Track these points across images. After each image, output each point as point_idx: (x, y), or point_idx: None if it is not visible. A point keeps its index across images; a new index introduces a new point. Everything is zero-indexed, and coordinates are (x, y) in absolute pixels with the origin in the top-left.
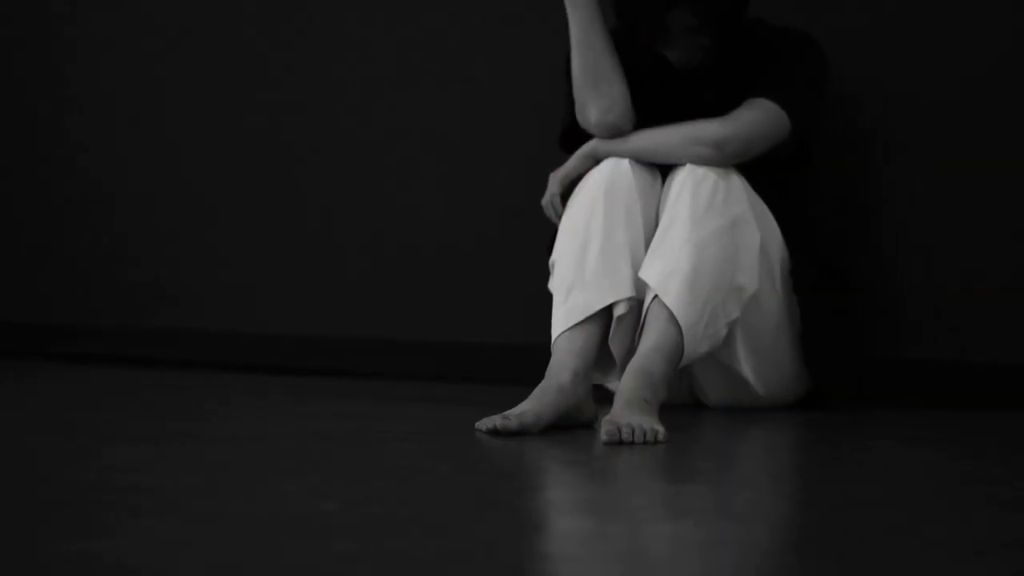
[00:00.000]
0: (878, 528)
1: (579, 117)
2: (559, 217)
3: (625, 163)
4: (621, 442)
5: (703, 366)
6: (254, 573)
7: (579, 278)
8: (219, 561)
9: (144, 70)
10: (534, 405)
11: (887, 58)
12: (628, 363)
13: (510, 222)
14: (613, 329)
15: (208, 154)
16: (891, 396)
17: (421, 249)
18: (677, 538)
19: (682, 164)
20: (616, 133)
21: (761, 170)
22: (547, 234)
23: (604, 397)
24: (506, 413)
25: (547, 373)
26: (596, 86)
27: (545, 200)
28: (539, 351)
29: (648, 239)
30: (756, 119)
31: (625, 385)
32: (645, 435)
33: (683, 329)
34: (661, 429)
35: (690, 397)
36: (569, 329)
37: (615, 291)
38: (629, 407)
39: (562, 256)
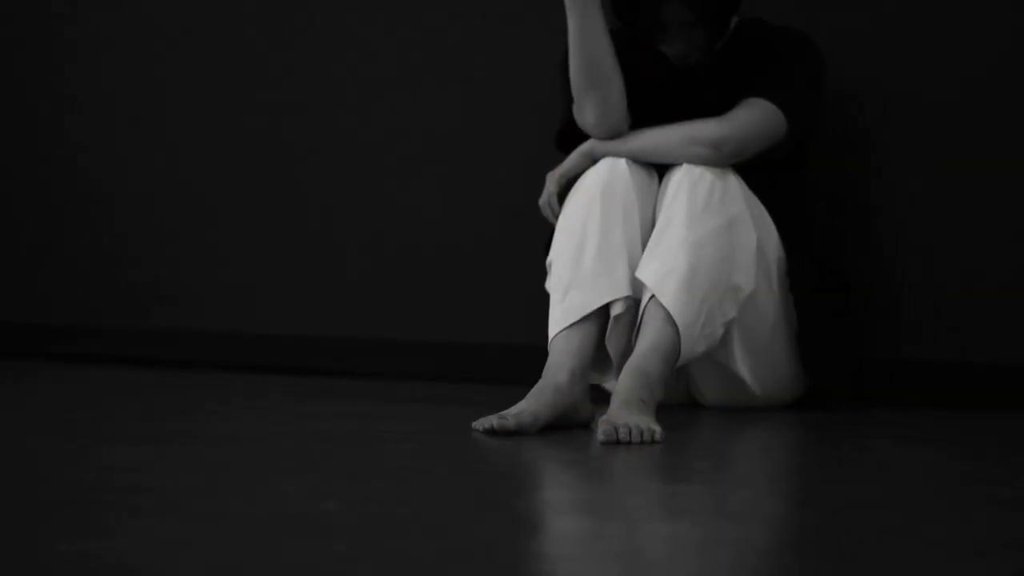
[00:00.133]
0: (877, 528)
1: (576, 118)
2: (556, 217)
3: (622, 163)
4: (618, 442)
5: (700, 366)
6: (254, 573)
7: (576, 278)
8: (219, 561)
9: (144, 70)
10: (531, 405)
11: (887, 58)
12: (625, 363)
13: (510, 222)
14: (610, 329)
15: (208, 154)
16: (890, 396)
17: (421, 249)
18: (674, 538)
19: (679, 164)
20: (613, 135)
21: (758, 170)
22: (547, 234)
23: (601, 397)
24: (503, 413)
25: (544, 373)
26: (595, 88)
27: (542, 200)
28: (539, 351)
29: (645, 239)
30: (753, 119)
31: (622, 385)
32: (642, 435)
33: (680, 329)
34: (658, 429)
35: (687, 397)
36: (566, 329)
37: (612, 290)
38: (626, 407)
39: (559, 256)
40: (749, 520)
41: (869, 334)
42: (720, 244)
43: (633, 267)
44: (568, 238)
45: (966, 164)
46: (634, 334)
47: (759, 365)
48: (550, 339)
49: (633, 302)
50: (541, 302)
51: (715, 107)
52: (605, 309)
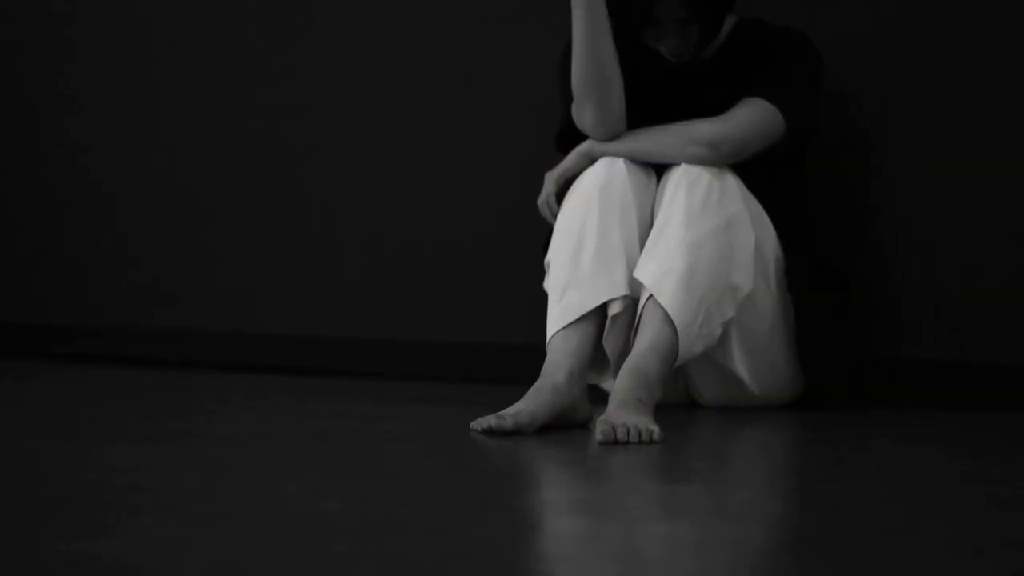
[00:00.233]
0: (877, 528)
1: (575, 119)
2: (554, 216)
3: (620, 162)
4: (616, 442)
5: (698, 366)
6: (254, 573)
7: (574, 277)
8: (219, 561)
9: (144, 70)
10: (529, 405)
11: (887, 58)
12: (623, 363)
13: (510, 222)
14: (607, 328)
15: (208, 154)
16: (890, 396)
17: (421, 249)
18: (672, 538)
19: (677, 164)
20: (612, 136)
21: (757, 170)
22: (547, 234)
23: (599, 397)
24: (501, 413)
25: (542, 373)
26: (596, 91)
27: (541, 199)
28: (539, 351)
29: (643, 239)
30: (751, 119)
31: (620, 385)
32: (640, 435)
33: (678, 329)
34: (656, 429)
35: (685, 397)
36: (564, 328)
37: (610, 290)
38: (624, 407)
39: (557, 255)
40: (748, 520)
41: (869, 334)
42: (718, 244)
43: (631, 267)
44: (566, 238)
45: (966, 164)
46: (632, 334)
47: (757, 365)
48: (548, 339)
49: (631, 302)
50: (541, 302)
51: (714, 107)
52: (603, 309)
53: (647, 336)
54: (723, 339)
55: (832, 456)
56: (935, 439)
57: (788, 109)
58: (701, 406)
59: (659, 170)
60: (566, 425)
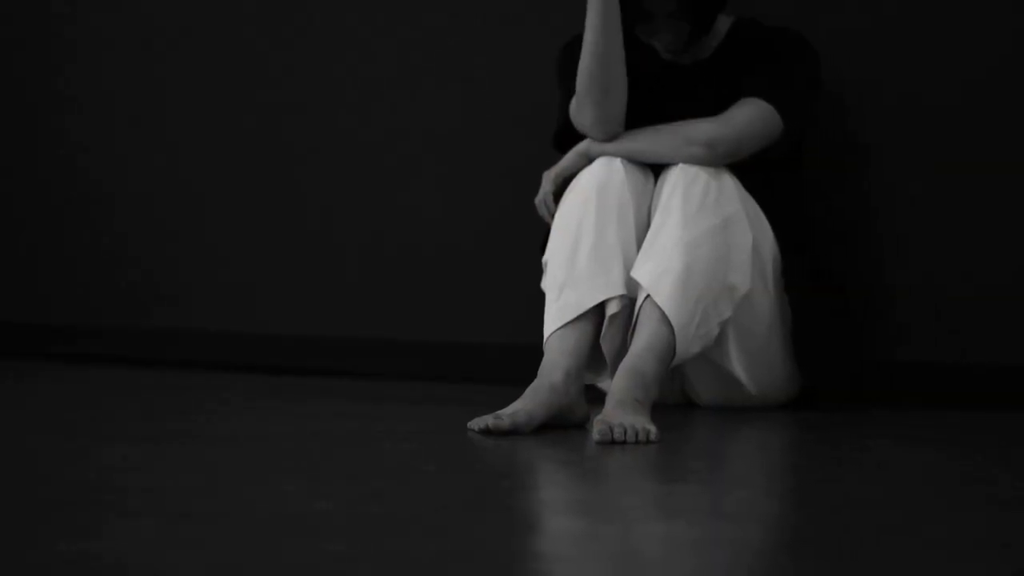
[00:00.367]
0: (877, 528)
1: (575, 116)
2: (552, 216)
3: (617, 162)
4: (613, 442)
5: (695, 366)
6: (254, 573)
7: (571, 276)
8: (219, 561)
9: (144, 70)
10: (526, 404)
11: (887, 59)
12: (619, 363)
13: (510, 222)
14: (605, 328)
15: (208, 154)
16: (890, 397)
17: (421, 249)
18: (669, 538)
19: (674, 164)
20: (610, 136)
21: (754, 170)
22: (544, 233)
23: (596, 397)
24: (498, 413)
25: (539, 372)
26: (601, 89)
27: (538, 199)
28: (539, 351)
29: (640, 239)
30: (748, 119)
31: (617, 385)
32: (637, 435)
33: (675, 329)
34: (653, 429)
35: (682, 397)
36: (561, 328)
37: (607, 289)
38: (621, 407)
39: (554, 255)
40: (745, 520)
41: (869, 335)
42: (715, 244)
43: (628, 267)
44: (563, 237)
45: (966, 166)
46: (629, 334)
47: (754, 365)
48: (545, 338)
49: (628, 301)
50: (541, 302)
51: (711, 107)
52: (600, 308)
53: (644, 336)
54: (720, 339)
55: (831, 456)
56: (935, 439)
57: (785, 109)
58: (698, 406)
59: (656, 170)
60: (563, 425)
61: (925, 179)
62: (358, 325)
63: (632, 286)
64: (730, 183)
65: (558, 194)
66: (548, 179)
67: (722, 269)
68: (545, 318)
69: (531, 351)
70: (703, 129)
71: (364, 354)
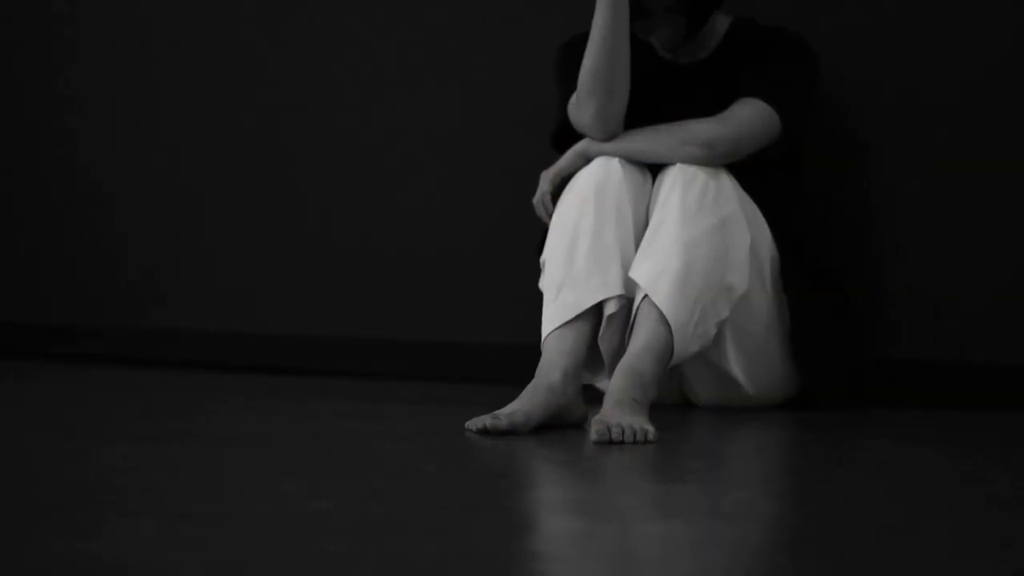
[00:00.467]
0: (877, 528)
1: (575, 115)
2: (550, 216)
3: (615, 162)
4: (611, 442)
5: (693, 366)
6: (254, 573)
7: (569, 276)
8: (219, 561)
9: (144, 70)
10: (524, 404)
11: (887, 58)
12: (617, 363)
13: (510, 222)
14: (603, 328)
15: (208, 154)
16: (890, 396)
17: (421, 249)
18: (667, 538)
19: (672, 164)
20: (609, 136)
21: (752, 170)
22: (542, 233)
23: (594, 397)
24: (496, 413)
25: (537, 372)
26: (604, 88)
27: (536, 199)
28: (539, 351)
29: (638, 238)
30: (747, 119)
31: (615, 385)
32: (635, 435)
33: (673, 329)
34: (651, 429)
35: (680, 397)
36: (559, 328)
37: (605, 289)
38: (619, 407)
39: (552, 255)
40: (743, 520)
41: (868, 334)
42: (713, 244)
43: (626, 266)
44: (561, 237)
45: (966, 164)
46: (627, 334)
47: (752, 365)
48: (543, 338)
49: (626, 301)
50: (540, 302)
51: (710, 107)
52: (598, 308)
53: (642, 336)
54: (718, 339)
55: (831, 456)
56: (935, 439)
57: (784, 109)
58: (696, 406)
59: (654, 170)
60: (561, 425)
61: (925, 178)
62: (358, 325)
63: (630, 286)
64: (728, 183)
65: (556, 194)
66: (546, 179)
67: (720, 269)
68: (543, 318)
69: (531, 351)
70: (702, 129)
71: (364, 354)
